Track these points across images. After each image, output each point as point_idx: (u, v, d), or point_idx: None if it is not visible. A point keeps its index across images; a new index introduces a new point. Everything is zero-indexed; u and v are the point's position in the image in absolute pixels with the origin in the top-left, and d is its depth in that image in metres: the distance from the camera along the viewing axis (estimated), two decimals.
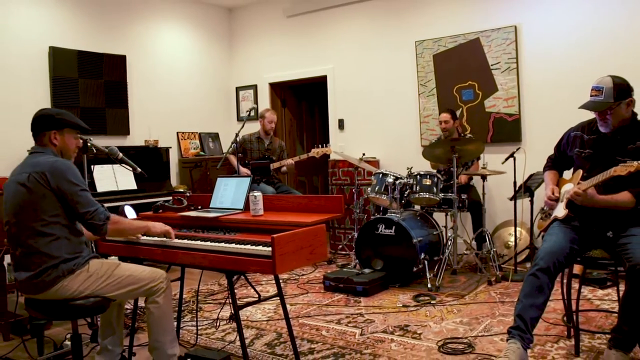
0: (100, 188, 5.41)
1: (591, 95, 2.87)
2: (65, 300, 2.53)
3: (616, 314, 3.50)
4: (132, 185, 5.70)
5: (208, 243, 2.70)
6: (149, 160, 6.20)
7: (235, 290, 4.66)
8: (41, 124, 2.64)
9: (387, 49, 6.37)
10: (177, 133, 7.04)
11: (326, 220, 2.72)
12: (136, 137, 6.49)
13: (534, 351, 3.04)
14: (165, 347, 2.74)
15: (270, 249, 2.38)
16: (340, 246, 6.16)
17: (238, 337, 3.48)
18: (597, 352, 2.99)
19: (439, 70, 5.95)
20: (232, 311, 2.68)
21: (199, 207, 3.37)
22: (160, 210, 3.35)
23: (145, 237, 2.93)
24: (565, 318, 3.31)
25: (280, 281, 4.99)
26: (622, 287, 3.40)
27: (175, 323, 3.57)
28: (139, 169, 3.02)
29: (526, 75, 5.46)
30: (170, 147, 6.59)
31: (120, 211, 3.38)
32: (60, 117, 2.66)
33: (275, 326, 3.75)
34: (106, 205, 5.15)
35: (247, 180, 3.14)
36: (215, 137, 7.53)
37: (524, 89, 5.47)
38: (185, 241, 2.79)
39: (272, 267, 2.36)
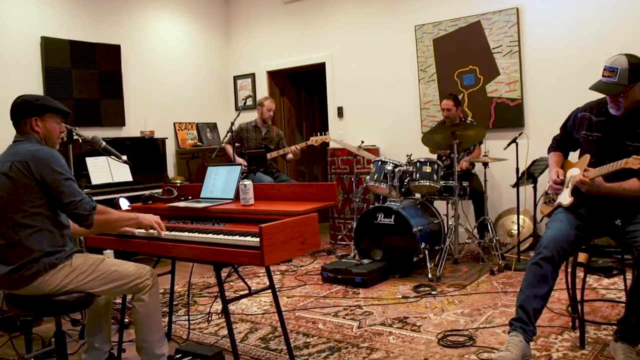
0: (95, 180, 5.32)
1: (603, 76, 2.66)
2: (47, 295, 2.43)
3: (623, 304, 3.39)
4: (127, 177, 5.61)
5: (195, 234, 2.59)
6: (145, 152, 6.11)
7: (232, 283, 4.59)
8: (21, 111, 2.55)
9: (386, 34, 6.22)
10: (174, 124, 6.91)
11: (318, 209, 2.60)
12: (132, 128, 6.36)
13: (537, 343, 2.92)
14: (153, 346, 2.64)
15: (258, 239, 2.26)
16: (340, 236, 6.04)
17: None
18: (603, 344, 2.87)
19: (439, 55, 5.80)
20: (230, 306, 2.56)
21: (189, 197, 3.26)
22: (150, 202, 3.25)
23: (132, 230, 2.82)
24: (569, 308, 3.19)
25: (278, 272, 4.92)
26: (629, 276, 3.30)
27: (167, 318, 3.48)
28: (123, 158, 2.91)
29: (529, 59, 5.31)
30: (167, 138, 6.48)
31: (115, 203, 3.29)
32: (40, 103, 2.55)
33: (270, 320, 3.64)
34: (101, 197, 5.17)
35: (238, 168, 3.03)
36: (213, 127, 7.40)
37: (527, 73, 5.32)
38: (173, 233, 2.68)
39: (261, 259, 2.24)
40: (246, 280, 4.72)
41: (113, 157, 2.87)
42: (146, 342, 2.64)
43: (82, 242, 3.31)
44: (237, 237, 2.42)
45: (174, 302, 4.14)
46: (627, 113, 2.69)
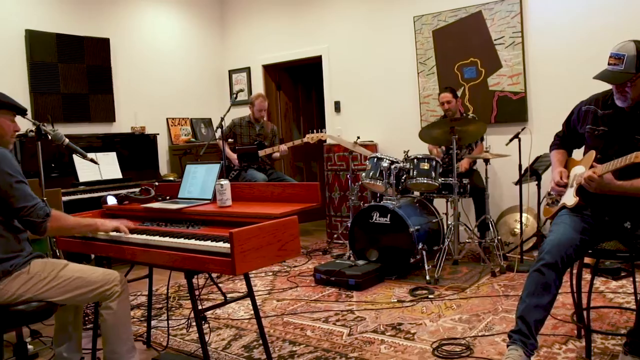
0: (82, 178, 5.14)
1: (609, 64, 2.44)
2: (2, 306, 2.24)
3: (632, 310, 3.17)
4: (117, 174, 5.43)
5: (166, 239, 2.40)
6: (136, 148, 5.92)
7: (220, 285, 4.38)
8: None
9: (383, 26, 5.99)
10: (167, 119, 6.71)
11: (299, 211, 2.40)
12: (123, 124, 6.16)
13: (540, 354, 2.71)
14: (122, 358, 2.45)
15: (229, 245, 2.06)
16: (336, 235, 5.83)
17: (213, 339, 3.21)
18: (611, 354, 2.65)
19: (439, 47, 5.57)
20: (216, 310, 2.37)
21: (167, 197, 3.06)
22: (126, 202, 3.04)
23: (100, 233, 2.63)
24: (574, 316, 2.97)
25: (271, 273, 4.72)
26: (639, 278, 3.07)
27: (146, 323, 3.29)
28: (89, 156, 2.71)
29: (532, 50, 5.06)
30: (159, 134, 6.27)
31: (102, 202, 3.11)
32: None
33: (257, 325, 3.43)
34: (89, 195, 4.97)
35: (217, 167, 2.82)
36: (207, 122, 7.19)
37: (530, 65, 5.08)
38: (143, 236, 2.49)
39: (232, 267, 2.04)
40: (235, 281, 4.52)
41: (78, 155, 2.67)
42: (115, 353, 2.46)
43: (54, 244, 3.12)
44: (208, 242, 2.22)
45: (159, 306, 3.96)
46: (636, 105, 2.47)
